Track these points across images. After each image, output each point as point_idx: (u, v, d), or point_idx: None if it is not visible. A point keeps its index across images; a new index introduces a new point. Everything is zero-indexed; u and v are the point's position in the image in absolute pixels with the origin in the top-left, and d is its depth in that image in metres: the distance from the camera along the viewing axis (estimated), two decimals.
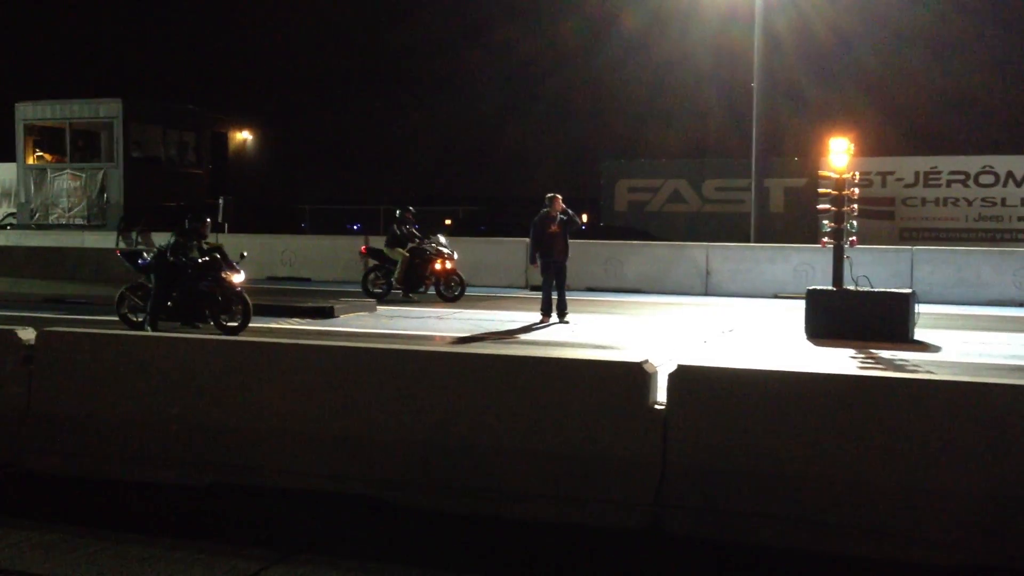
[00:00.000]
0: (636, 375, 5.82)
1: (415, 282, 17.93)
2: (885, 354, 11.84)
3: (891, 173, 28.42)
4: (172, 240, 13.09)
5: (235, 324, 13.06)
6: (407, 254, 17.84)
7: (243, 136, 35.43)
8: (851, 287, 13.73)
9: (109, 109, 30.59)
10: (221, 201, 21.76)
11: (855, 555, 5.29)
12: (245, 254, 13.84)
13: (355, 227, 37.69)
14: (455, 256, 17.96)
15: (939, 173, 28.62)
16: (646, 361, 5.90)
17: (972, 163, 28.52)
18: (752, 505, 5.51)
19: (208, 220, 13.54)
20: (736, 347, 12.69)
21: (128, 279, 14.00)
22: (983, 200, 28.17)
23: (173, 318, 13.10)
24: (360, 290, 18.33)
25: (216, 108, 36.88)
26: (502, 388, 6.05)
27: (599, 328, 14.53)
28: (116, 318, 13.49)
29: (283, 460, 6.29)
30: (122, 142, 30.30)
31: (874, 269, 16.81)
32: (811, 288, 13.97)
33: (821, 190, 13.95)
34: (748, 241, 24.11)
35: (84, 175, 30.83)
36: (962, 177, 28.40)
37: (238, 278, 13.13)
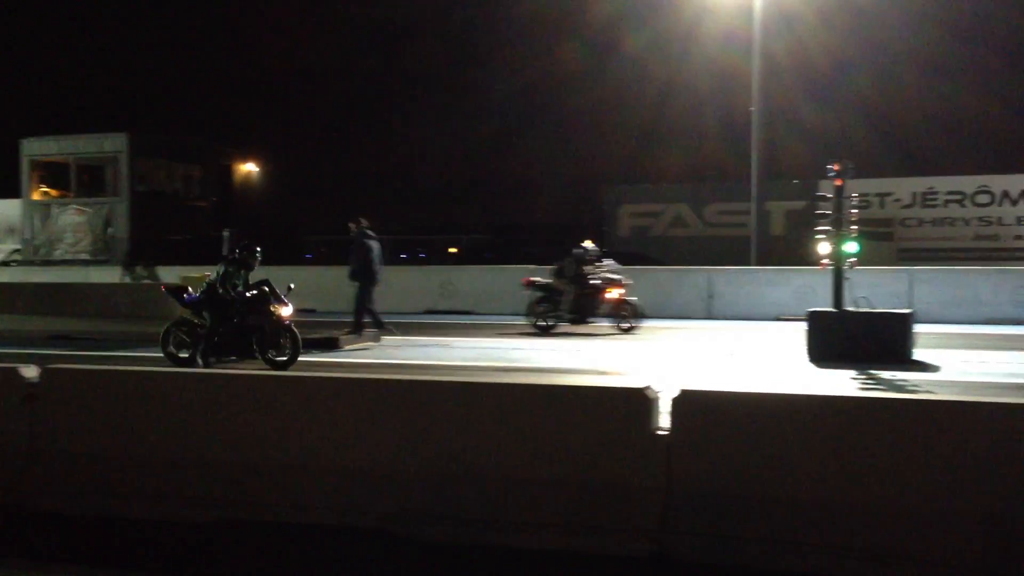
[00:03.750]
0: (638, 401, 5.84)
1: (586, 311, 17.81)
2: (885, 375, 11.90)
3: (889, 194, 28.58)
4: (221, 271, 12.86)
5: (284, 358, 12.69)
6: (576, 284, 17.73)
7: (248, 168, 35.67)
8: (851, 308, 13.86)
9: (114, 143, 30.83)
10: (226, 234, 21.92)
11: None
12: (292, 286, 13.49)
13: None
14: (626, 283, 17.90)
15: (936, 194, 28.82)
16: (648, 387, 5.91)
17: (968, 183, 28.72)
18: (758, 530, 5.53)
19: (258, 251, 13.18)
20: (739, 370, 12.78)
21: (130, 314, 13.85)
22: (979, 220, 28.37)
23: (220, 353, 12.88)
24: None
25: (220, 140, 37.19)
26: (507, 417, 6.08)
27: (602, 353, 14.63)
28: (121, 354, 13.42)
29: (289, 494, 6.27)
30: (127, 176, 30.53)
31: (874, 290, 16.89)
32: (812, 310, 14.08)
33: (819, 212, 14.12)
34: (750, 264, 24.23)
35: (89, 210, 31.04)
36: (958, 197, 28.60)
37: (286, 311, 12.86)
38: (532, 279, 18.37)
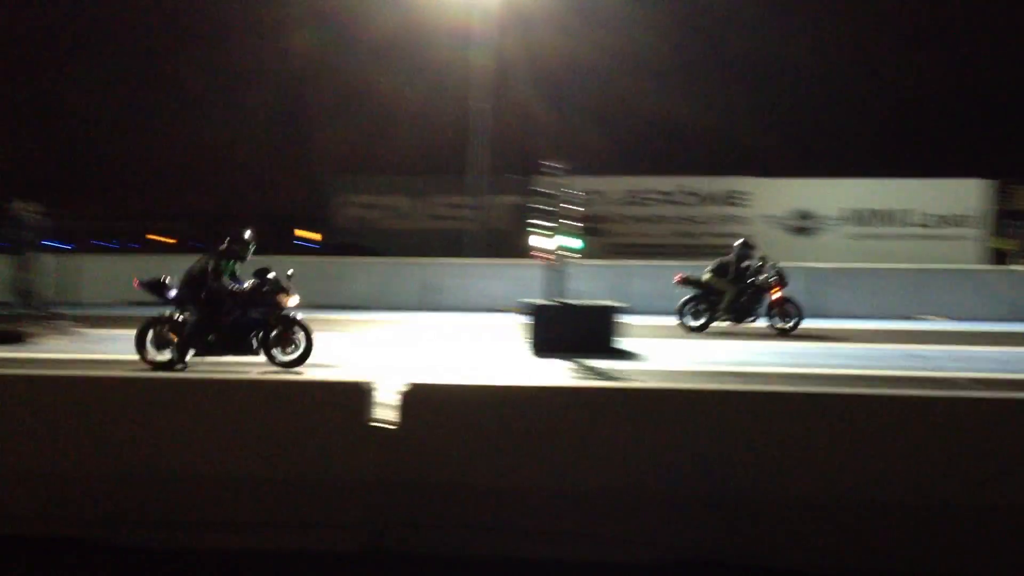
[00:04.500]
0: (355, 394, 5.78)
1: (746, 311, 16.75)
2: (597, 364, 12.39)
3: (603, 192, 30.07)
4: (211, 264, 11.51)
5: (293, 357, 11.60)
6: (737, 282, 16.76)
7: None
8: (566, 301, 14.36)
9: None
10: None
11: (572, 560, 5.48)
12: (292, 272, 12.11)
13: (68, 247, 34.92)
14: (788, 283, 16.87)
15: (645, 192, 30.80)
16: (365, 380, 5.86)
17: (675, 183, 30.86)
18: (477, 518, 5.60)
19: (249, 239, 11.89)
20: (459, 362, 12.89)
21: None
22: (683, 218, 30.63)
23: (215, 352, 11.50)
24: None
25: None
26: (213, 413, 5.83)
27: (321, 346, 14.27)
28: None
29: None
30: None
31: (588, 283, 17.72)
32: (532, 302, 14.46)
33: (536, 206, 14.54)
34: (471, 256, 24.65)
35: None
36: (666, 197, 30.72)
37: (293, 301, 11.68)
38: (686, 276, 17.17)
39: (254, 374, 10.09)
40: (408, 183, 33.07)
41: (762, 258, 17.06)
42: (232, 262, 11.83)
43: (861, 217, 29.93)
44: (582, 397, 6.03)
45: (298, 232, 37.99)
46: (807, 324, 16.50)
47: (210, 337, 11.59)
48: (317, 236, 37.31)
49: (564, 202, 14.40)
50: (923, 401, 5.80)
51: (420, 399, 5.79)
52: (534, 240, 14.43)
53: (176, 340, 11.59)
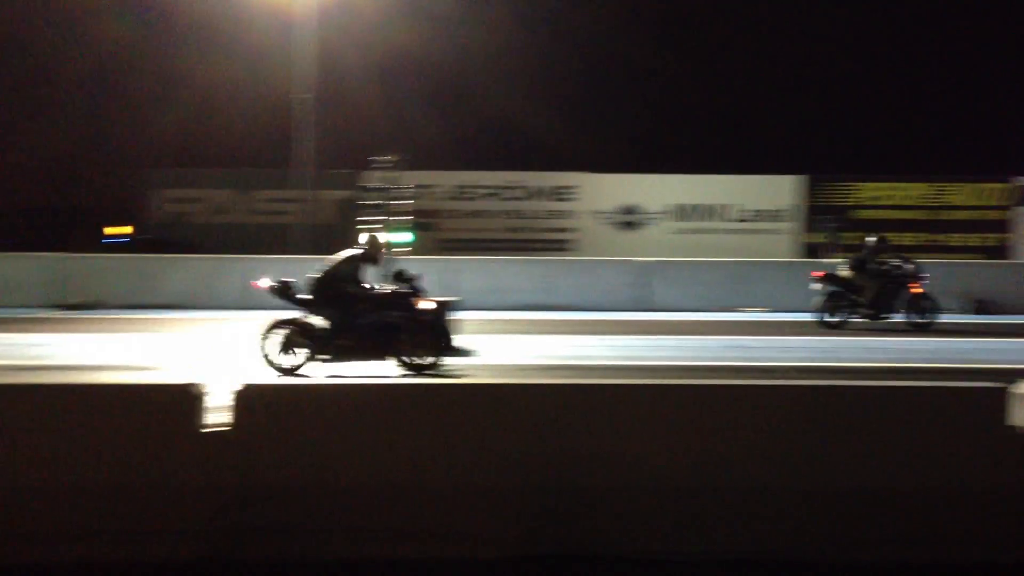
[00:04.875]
0: (183, 398, 5.58)
1: (885, 306, 16.50)
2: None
3: (433, 186, 29.99)
4: (351, 267, 11.19)
5: (426, 361, 11.27)
6: (878, 278, 16.50)
7: None
8: None
9: None
10: None
11: (411, 559, 5.45)
12: (422, 275, 11.82)
13: None
14: (925, 279, 16.57)
15: (474, 187, 30.93)
16: (193, 383, 5.66)
17: (502, 178, 31.12)
18: (317, 520, 5.51)
19: (384, 242, 11.74)
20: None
21: None
22: (512, 213, 30.95)
23: (347, 357, 11.04)
24: None
25: None
26: (28, 421, 5.50)
27: (136, 348, 13.58)
28: None
29: None
30: None
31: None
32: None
33: (365, 202, 14.30)
34: (297, 253, 24.05)
35: None
36: (494, 191, 30.92)
37: (430, 306, 11.30)
38: (827, 272, 16.86)
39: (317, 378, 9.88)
40: (229, 177, 32.10)
41: (900, 255, 17.40)
42: (365, 265, 11.61)
43: (684, 212, 30.99)
44: (412, 393, 5.99)
45: (107, 230, 36.11)
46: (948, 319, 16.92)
47: (344, 341, 11.19)
48: (128, 229, 35.66)
49: (394, 197, 14.20)
50: (743, 389, 5.95)
51: (251, 400, 5.63)
52: (365, 237, 14.18)
53: (306, 344, 11.20)
